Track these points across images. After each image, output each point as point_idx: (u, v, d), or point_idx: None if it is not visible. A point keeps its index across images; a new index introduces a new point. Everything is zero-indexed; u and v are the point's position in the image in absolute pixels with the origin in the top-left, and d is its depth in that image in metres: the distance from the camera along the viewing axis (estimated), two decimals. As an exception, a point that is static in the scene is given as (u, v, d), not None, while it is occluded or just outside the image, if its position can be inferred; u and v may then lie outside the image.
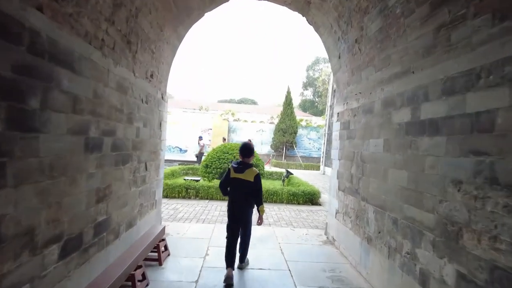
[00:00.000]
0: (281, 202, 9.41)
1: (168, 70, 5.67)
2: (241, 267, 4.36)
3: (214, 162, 11.24)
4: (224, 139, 21.95)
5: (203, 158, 16.72)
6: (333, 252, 5.26)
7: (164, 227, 4.67)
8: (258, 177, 4.05)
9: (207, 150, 17.06)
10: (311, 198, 9.49)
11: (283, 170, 16.28)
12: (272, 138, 27.30)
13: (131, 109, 4.03)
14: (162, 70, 5.34)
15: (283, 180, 13.05)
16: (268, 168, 20.62)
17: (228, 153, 11.36)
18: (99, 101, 3.15)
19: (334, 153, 6.02)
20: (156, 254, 4.28)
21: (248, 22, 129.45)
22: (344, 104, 5.57)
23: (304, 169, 24.60)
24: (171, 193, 9.30)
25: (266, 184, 12.69)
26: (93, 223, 3.14)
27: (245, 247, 4.36)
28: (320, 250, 5.32)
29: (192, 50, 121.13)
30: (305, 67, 61.56)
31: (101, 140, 3.25)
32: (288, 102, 27.33)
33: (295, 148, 26.82)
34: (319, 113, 51.54)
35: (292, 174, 13.27)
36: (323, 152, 22.01)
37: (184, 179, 10.08)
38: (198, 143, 19.50)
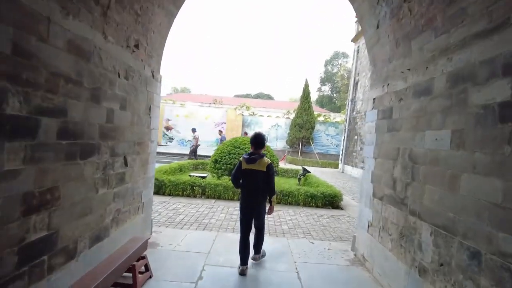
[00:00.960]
0: (297, 204, 8.26)
1: (162, 42, 4.58)
2: (255, 259, 4.25)
3: (223, 158, 10.17)
4: (246, 133, 20.98)
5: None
6: (364, 278, 4.08)
7: (146, 240, 3.60)
8: (270, 166, 3.96)
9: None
10: (331, 201, 8.30)
11: (299, 168, 15.11)
12: (288, 134, 26.07)
13: (97, 83, 2.96)
14: (153, 41, 4.26)
15: (299, 179, 11.89)
16: (282, 164, 19.51)
17: (239, 147, 10.27)
18: (28, 62, 2.08)
19: (368, 150, 4.80)
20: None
21: (265, 16, 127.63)
22: (383, 86, 4.35)
23: (321, 166, 23.32)
24: (175, 190, 8.30)
25: (280, 182, 11.56)
26: (17, 245, 2.09)
27: (260, 238, 4.27)
28: (347, 274, 4.14)
29: (210, 44, 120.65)
30: (324, 62, 59.78)
31: (35, 122, 2.18)
32: (305, 96, 25.99)
33: (312, 145, 25.51)
34: (337, 109, 49.95)
35: (309, 172, 12.07)
36: (342, 149, 20.64)
37: (190, 175, 9.06)
38: (193, 137, 17.35)
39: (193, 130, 18.01)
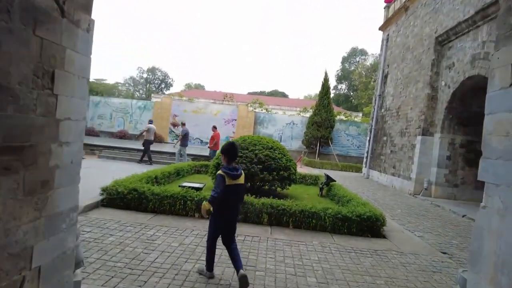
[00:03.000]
0: (323, 230, 6.05)
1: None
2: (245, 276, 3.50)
3: (227, 161, 8.02)
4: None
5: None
6: None
7: None
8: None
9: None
10: (370, 226, 6.05)
11: (320, 173, 12.84)
12: (304, 133, 23.75)
13: None
14: None
15: (322, 189, 9.65)
16: (298, 167, 17.19)
17: (247, 149, 8.11)
18: None
19: (500, 169, 2.53)
20: None
21: (281, 13, 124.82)
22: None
23: (341, 170, 20.97)
24: (160, 206, 6.22)
25: (298, 191, 9.35)
26: None
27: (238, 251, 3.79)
28: None
29: (226, 42, 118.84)
30: (341, 59, 57.31)
31: None
32: (324, 91, 23.60)
33: (330, 145, 23.13)
34: (354, 108, 47.54)
35: (334, 181, 9.81)
36: (367, 151, 18.21)
37: (181, 186, 6.90)
38: (145, 129, 14.29)
39: (150, 122, 14.92)
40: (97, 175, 9.19)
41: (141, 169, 9.40)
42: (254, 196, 7.47)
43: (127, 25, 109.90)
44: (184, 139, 14.00)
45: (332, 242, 5.48)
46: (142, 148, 14.13)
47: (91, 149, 15.59)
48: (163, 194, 6.25)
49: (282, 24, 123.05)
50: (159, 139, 23.66)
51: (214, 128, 14.69)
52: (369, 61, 54.13)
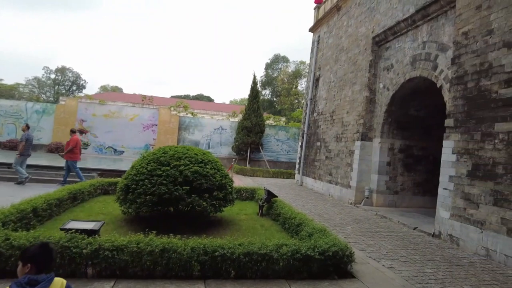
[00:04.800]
0: (277, 276, 4.38)
1: None
2: None
3: (141, 182, 5.91)
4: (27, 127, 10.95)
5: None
6: None
7: None
8: None
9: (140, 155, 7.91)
10: (337, 264, 4.58)
11: (257, 185, 11.28)
12: (234, 138, 22.21)
13: None
14: None
15: (261, 206, 8.08)
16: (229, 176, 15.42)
17: (169, 165, 6.08)
18: None
19: None
20: None
21: (204, 18, 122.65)
22: None
23: (273, 176, 19.91)
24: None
25: (232, 211, 7.64)
26: None
27: None
28: None
29: (146, 46, 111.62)
30: (264, 65, 58.08)
31: None
32: (254, 95, 22.40)
33: (261, 151, 21.98)
34: (277, 113, 48.17)
35: (276, 196, 8.31)
36: (299, 157, 17.36)
37: (63, 229, 4.46)
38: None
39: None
40: None
41: (23, 194, 6.67)
42: (178, 224, 5.54)
43: (35, 22, 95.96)
44: (26, 147, 10.39)
45: (293, 299, 3.84)
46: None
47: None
48: (25, 244, 3.90)
49: (206, 28, 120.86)
50: (59, 150, 19.80)
51: (72, 132, 11.26)
52: (291, 68, 55.65)
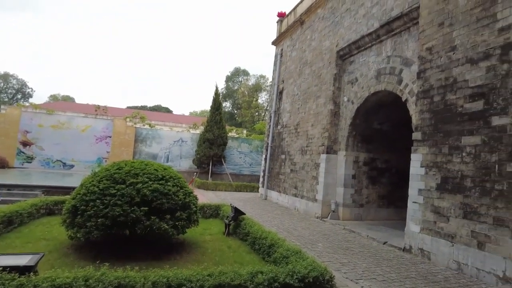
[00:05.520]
0: (252, 308, 3.87)
1: None
2: None
3: (92, 202, 5.13)
4: None
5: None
6: None
7: None
8: None
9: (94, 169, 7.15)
10: (316, 290, 4.17)
11: (222, 202, 10.69)
12: (196, 151, 21.40)
13: None
14: None
15: (228, 225, 7.54)
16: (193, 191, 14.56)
17: (125, 182, 5.36)
18: None
19: None
20: None
21: (161, 27, 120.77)
22: None
23: (236, 190, 19.35)
24: None
25: (196, 231, 7.02)
26: None
27: None
28: None
29: (101, 53, 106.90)
30: (225, 78, 58.10)
31: None
32: (216, 107, 21.85)
33: (224, 164, 21.38)
34: (238, 125, 48.01)
35: (243, 214, 7.81)
36: (264, 170, 17.03)
37: None
38: None
39: None
40: None
41: None
42: (136, 248, 4.86)
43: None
44: None
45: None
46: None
47: None
48: None
49: (164, 37, 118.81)
50: (1, 164, 17.82)
51: None
52: (251, 81, 56.07)
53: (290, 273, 4.09)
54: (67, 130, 19.62)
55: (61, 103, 46.41)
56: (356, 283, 5.10)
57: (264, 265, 5.31)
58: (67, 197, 7.11)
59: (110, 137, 20.27)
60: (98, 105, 22.98)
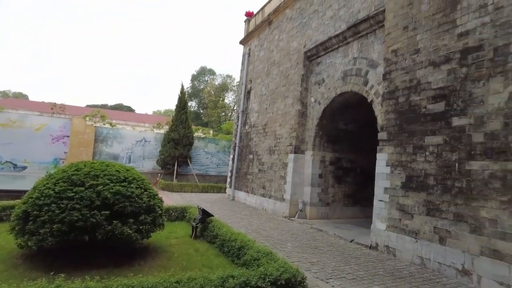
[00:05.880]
0: (223, 314, 3.70)
1: None
2: None
3: (47, 207, 4.69)
4: None
5: None
6: None
7: None
8: None
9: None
10: (288, 293, 4.08)
11: (188, 203, 10.35)
12: (160, 151, 20.73)
13: None
14: None
15: (195, 228, 7.29)
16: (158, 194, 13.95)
17: (84, 185, 4.96)
18: None
19: None
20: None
21: (124, 24, 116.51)
22: None
23: (202, 191, 18.98)
24: None
25: (161, 235, 6.71)
26: None
27: None
28: None
29: (60, 49, 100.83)
30: (190, 77, 57.03)
31: None
32: (182, 105, 21.32)
33: (190, 164, 20.89)
34: (204, 125, 47.38)
35: (211, 216, 7.59)
36: (231, 170, 16.84)
37: None
38: None
39: None
40: None
41: None
42: (96, 255, 4.51)
43: None
44: None
45: None
46: None
47: None
48: None
49: (126, 35, 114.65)
50: None
51: None
52: (218, 80, 55.48)
53: (262, 276, 3.97)
54: (19, 129, 18.18)
55: (11, 100, 43.15)
56: (327, 282, 5.09)
57: (234, 269, 5.15)
58: (18, 201, 6.50)
59: (68, 136, 19.07)
60: (55, 103, 21.51)
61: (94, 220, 4.72)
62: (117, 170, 5.52)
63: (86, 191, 4.86)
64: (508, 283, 4.85)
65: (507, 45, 5.38)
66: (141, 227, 5.27)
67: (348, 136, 11.31)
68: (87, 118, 20.72)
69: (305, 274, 4.47)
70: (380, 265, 6.17)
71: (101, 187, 4.98)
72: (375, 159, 7.59)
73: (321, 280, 5.19)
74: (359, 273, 5.59)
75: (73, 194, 4.78)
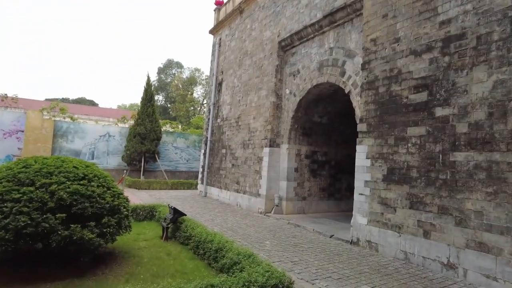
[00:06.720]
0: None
1: None
2: None
3: (-14, 211, 3.93)
4: None
5: None
6: None
7: None
8: None
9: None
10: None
11: (157, 201, 9.65)
12: (125, 147, 19.58)
13: None
14: None
15: (166, 228, 6.70)
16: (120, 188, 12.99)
17: (34, 184, 4.24)
18: None
19: None
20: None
21: (88, 14, 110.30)
22: None
23: (172, 188, 18.19)
24: None
25: (128, 237, 6.08)
26: None
27: None
28: None
29: (18, 40, 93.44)
30: (157, 70, 54.95)
31: None
32: (148, 98, 20.22)
33: (158, 160, 19.94)
34: (173, 120, 45.99)
35: (184, 215, 7.02)
36: (203, 166, 16.20)
37: None
38: None
39: None
40: None
41: None
42: (52, 264, 3.88)
43: None
44: None
45: None
46: None
47: None
48: None
49: (89, 26, 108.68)
50: None
51: None
52: (186, 74, 53.91)
53: (246, 284, 3.52)
54: (-37, 123, 16.39)
55: (-43, 92, 39.33)
56: (313, 284, 4.74)
57: (212, 273, 4.67)
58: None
59: (22, 131, 17.47)
60: (6, 95, 19.63)
61: (47, 225, 4.03)
62: (75, 167, 4.82)
63: (37, 191, 4.15)
64: (494, 275, 4.75)
65: (490, 33, 5.26)
66: (104, 230, 4.64)
67: (322, 128, 11.10)
68: (45, 112, 19.13)
69: (292, 277, 4.07)
70: (364, 261, 5.93)
71: (56, 186, 4.29)
72: (348, 151, 7.37)
73: (306, 281, 4.84)
74: (344, 272, 5.30)
75: (19, 195, 4.05)
